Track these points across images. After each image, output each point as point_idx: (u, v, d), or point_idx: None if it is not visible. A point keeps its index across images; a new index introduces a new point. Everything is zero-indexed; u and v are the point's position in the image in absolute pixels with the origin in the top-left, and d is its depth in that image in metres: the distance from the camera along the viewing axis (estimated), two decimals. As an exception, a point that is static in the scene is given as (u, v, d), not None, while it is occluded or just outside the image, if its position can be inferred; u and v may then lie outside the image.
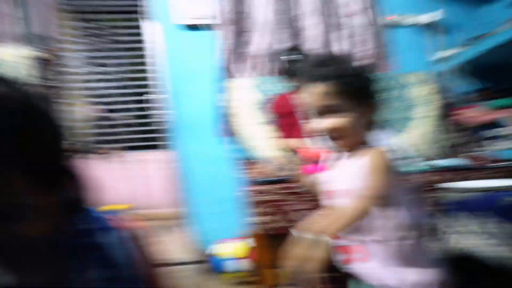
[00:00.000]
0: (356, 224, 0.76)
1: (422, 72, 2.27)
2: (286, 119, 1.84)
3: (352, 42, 2.36)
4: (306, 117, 0.85)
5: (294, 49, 1.89)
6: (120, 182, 4.67)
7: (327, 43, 2.33)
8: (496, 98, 2.11)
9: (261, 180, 1.39)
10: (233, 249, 1.93)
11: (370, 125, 0.84)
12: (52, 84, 1.46)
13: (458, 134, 2.17)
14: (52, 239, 0.59)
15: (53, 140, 0.55)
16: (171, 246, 2.87)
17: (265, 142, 2.00)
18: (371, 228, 0.79)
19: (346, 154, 0.86)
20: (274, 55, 2.22)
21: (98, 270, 0.62)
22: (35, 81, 1.40)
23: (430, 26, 2.40)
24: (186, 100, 2.28)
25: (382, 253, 0.79)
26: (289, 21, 2.30)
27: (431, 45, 2.42)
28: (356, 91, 0.79)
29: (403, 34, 2.43)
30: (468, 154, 1.68)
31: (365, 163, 0.76)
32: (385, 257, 0.79)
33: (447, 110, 2.22)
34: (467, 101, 2.23)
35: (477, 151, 2.02)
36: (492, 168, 1.42)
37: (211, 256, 1.99)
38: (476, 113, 2.11)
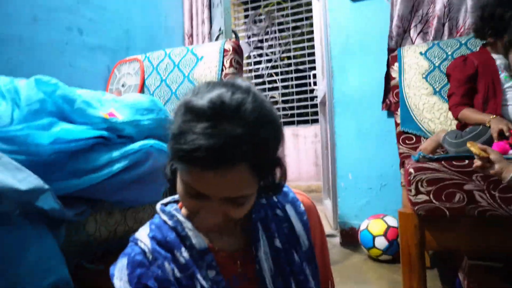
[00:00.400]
0: None
1: None
2: (468, 85, 1.57)
3: None
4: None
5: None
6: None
7: None
8: None
9: (429, 156, 1.26)
10: (382, 226, 1.86)
11: None
12: (237, 72, 1.67)
13: None
14: (248, 214, 0.67)
15: (278, 134, 0.57)
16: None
17: (436, 115, 1.79)
18: None
19: None
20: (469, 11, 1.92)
21: (282, 239, 0.68)
22: (228, 71, 1.63)
23: None
24: (347, 75, 2.26)
25: None
26: None
27: None
28: None
29: None
30: None
31: None
32: None
33: None
34: None
35: None
36: None
37: (359, 230, 1.97)
38: None
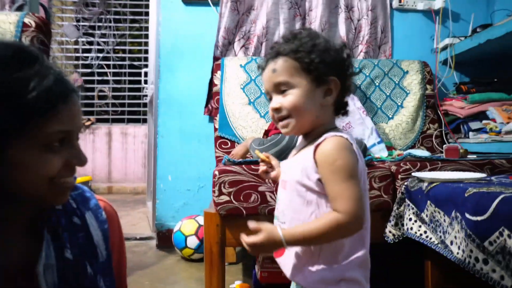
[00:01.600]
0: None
1: (419, 60, 2.21)
2: None
3: (355, 26, 2.30)
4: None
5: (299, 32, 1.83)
6: (97, 154, 4.67)
7: (329, 25, 2.26)
8: (485, 91, 2.08)
9: (232, 160, 1.37)
10: (194, 226, 1.93)
11: (335, 108, 0.78)
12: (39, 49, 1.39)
13: (438, 125, 2.14)
14: (36, 219, 0.59)
15: None
16: (136, 221, 2.91)
17: (249, 124, 1.97)
18: (294, 215, 0.74)
19: (304, 139, 0.79)
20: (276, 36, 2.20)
21: (74, 250, 0.61)
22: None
23: (437, 13, 2.32)
24: (175, 76, 2.24)
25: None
26: (294, 0, 2.25)
27: (433, 33, 2.36)
28: (312, 66, 0.71)
29: (407, 20, 2.38)
30: (446, 145, 1.66)
31: (320, 153, 0.70)
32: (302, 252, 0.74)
33: (436, 99, 2.18)
34: (457, 92, 2.20)
35: (454, 143, 2.00)
36: (464, 160, 1.40)
37: (173, 232, 1.99)
38: (464, 105, 2.07)
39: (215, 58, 2.17)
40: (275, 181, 0.94)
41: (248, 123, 1.96)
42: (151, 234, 2.39)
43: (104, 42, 4.84)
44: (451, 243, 1.02)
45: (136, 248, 2.19)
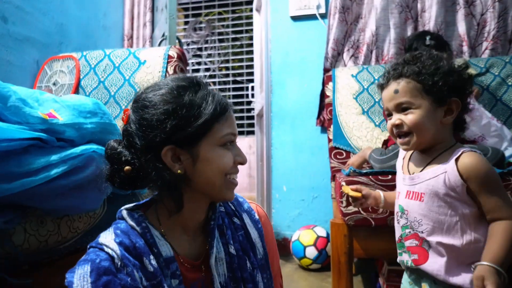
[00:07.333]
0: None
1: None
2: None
3: (478, 21, 2.13)
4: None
5: (424, 34, 1.75)
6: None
7: (446, 25, 2.14)
8: None
9: (358, 171, 1.38)
10: (312, 237, 1.95)
11: (456, 125, 0.82)
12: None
13: None
14: (206, 219, 0.72)
15: None
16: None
17: (364, 133, 1.95)
18: (435, 224, 0.79)
19: (425, 154, 0.84)
20: (400, 42, 2.16)
21: (236, 246, 0.71)
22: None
23: None
24: (285, 90, 2.35)
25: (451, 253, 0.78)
26: (405, 3, 2.18)
27: None
28: (435, 89, 0.76)
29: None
30: None
31: (465, 167, 0.75)
32: (453, 257, 0.78)
33: None
34: None
35: None
36: None
37: (291, 241, 2.04)
38: None
39: (325, 70, 2.21)
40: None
41: (363, 132, 1.94)
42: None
43: (210, 62, 5.29)
44: None
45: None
